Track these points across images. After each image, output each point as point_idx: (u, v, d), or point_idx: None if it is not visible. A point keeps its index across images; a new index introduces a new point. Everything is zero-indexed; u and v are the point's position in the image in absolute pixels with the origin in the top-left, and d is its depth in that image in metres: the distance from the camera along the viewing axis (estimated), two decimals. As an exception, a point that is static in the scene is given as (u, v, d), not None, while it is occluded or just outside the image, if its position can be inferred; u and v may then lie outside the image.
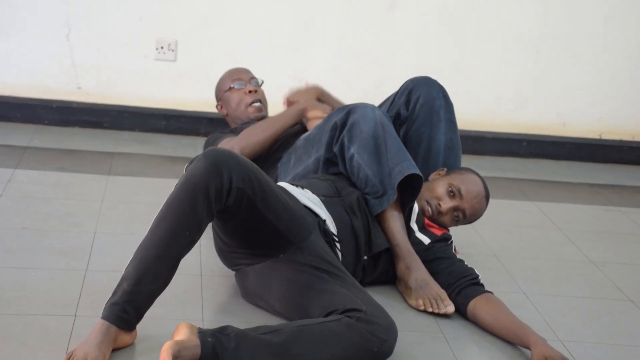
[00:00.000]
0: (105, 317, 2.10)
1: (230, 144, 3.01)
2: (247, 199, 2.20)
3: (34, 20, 4.10)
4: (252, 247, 2.36)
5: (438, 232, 2.74)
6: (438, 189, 2.75)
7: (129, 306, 2.11)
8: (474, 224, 3.19)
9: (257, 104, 3.30)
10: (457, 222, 2.78)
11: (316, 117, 3.09)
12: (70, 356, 2.04)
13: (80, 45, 4.15)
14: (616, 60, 4.47)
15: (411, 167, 2.60)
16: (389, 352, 2.18)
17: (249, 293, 2.45)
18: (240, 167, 2.20)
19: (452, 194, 2.73)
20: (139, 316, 2.15)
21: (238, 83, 3.32)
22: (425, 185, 2.78)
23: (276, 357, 2.07)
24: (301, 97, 3.27)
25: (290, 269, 2.32)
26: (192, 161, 2.25)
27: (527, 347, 2.32)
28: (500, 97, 4.46)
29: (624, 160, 4.55)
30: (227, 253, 2.45)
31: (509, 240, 3.24)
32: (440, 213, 2.74)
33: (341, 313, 2.18)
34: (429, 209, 2.74)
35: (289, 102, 3.29)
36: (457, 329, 2.47)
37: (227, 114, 3.35)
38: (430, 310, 2.52)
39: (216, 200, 2.15)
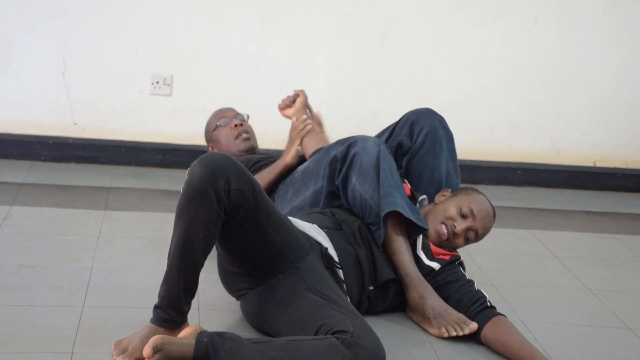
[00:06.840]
0: (152, 320, 2.30)
1: None
2: (247, 202, 2.26)
3: (30, 57, 4.13)
4: (252, 266, 2.40)
5: (447, 257, 2.74)
6: (450, 210, 2.74)
7: (169, 308, 2.28)
8: (470, 253, 3.21)
9: (244, 135, 3.38)
10: (467, 242, 2.77)
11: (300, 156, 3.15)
12: (117, 344, 2.27)
13: (76, 81, 4.17)
14: (609, 87, 4.49)
15: (391, 205, 2.61)
16: None
17: (252, 317, 2.49)
18: (236, 169, 2.26)
19: (464, 215, 2.74)
20: (182, 313, 2.30)
21: (223, 120, 3.41)
22: (433, 208, 2.79)
23: None
24: (293, 113, 3.31)
25: (287, 292, 2.36)
26: (190, 167, 2.28)
27: None
28: (494, 126, 4.48)
29: (618, 188, 4.57)
30: (230, 277, 2.48)
31: (505, 268, 3.25)
32: (455, 234, 2.73)
33: (331, 334, 2.20)
34: (445, 230, 2.73)
35: (285, 111, 3.36)
36: (453, 356, 2.46)
37: None
38: (454, 334, 2.53)
39: (218, 202, 2.22)
